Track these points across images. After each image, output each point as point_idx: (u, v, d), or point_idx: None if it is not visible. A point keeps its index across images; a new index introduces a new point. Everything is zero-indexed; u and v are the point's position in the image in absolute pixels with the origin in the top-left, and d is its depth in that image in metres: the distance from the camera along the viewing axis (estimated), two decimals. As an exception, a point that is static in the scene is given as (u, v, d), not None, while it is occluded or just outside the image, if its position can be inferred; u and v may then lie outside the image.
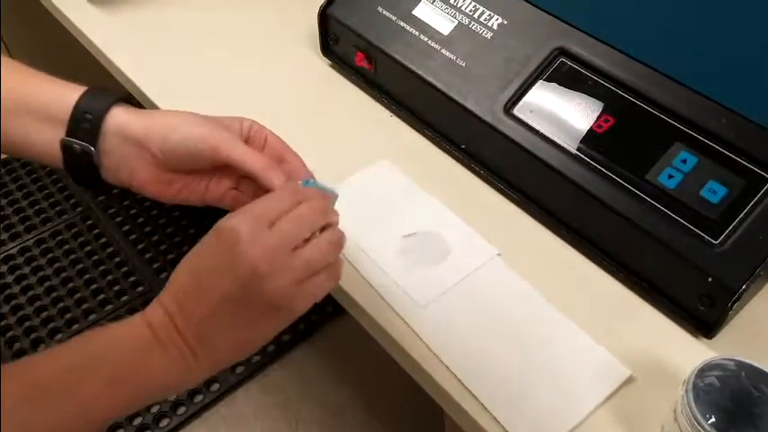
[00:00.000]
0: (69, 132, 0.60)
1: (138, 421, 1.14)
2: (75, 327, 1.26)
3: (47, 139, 0.61)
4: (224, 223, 0.52)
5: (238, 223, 0.51)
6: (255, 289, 0.50)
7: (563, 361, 0.61)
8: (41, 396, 0.46)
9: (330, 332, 1.30)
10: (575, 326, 0.63)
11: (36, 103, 0.60)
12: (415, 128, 0.83)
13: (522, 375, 0.60)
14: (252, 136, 0.63)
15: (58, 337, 1.25)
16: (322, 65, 0.92)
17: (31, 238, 1.41)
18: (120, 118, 0.60)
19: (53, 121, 0.60)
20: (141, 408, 0.52)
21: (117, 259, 1.38)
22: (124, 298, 1.31)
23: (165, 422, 1.14)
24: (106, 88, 0.62)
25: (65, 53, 1.29)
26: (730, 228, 0.60)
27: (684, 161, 0.64)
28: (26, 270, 1.35)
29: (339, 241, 0.55)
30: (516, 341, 0.62)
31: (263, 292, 0.50)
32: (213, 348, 0.52)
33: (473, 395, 0.58)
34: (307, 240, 0.53)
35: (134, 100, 0.65)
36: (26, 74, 0.62)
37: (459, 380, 0.59)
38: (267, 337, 0.53)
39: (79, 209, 1.48)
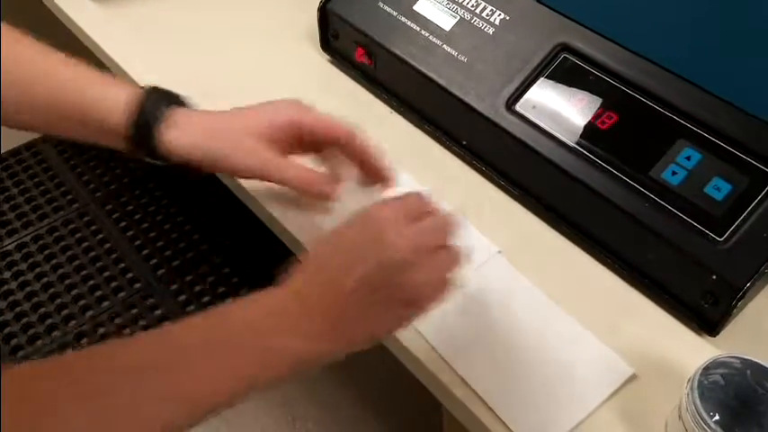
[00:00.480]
0: (133, 152, 0.64)
1: (135, 418, 1.13)
2: (73, 323, 1.26)
3: (119, 147, 0.64)
4: (373, 213, 0.53)
5: (389, 214, 0.52)
6: (397, 277, 0.51)
7: (565, 358, 0.60)
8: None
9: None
10: (577, 323, 0.63)
11: (99, 121, 0.63)
12: (415, 124, 0.82)
13: (525, 373, 0.59)
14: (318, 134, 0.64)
15: (55, 333, 1.24)
16: (322, 60, 0.91)
17: (28, 235, 1.40)
18: (165, 141, 0.62)
19: (119, 135, 0.63)
20: (271, 387, 0.52)
21: (114, 256, 1.37)
22: (121, 294, 1.30)
23: (162, 419, 1.14)
24: (150, 96, 0.63)
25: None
26: (734, 225, 0.60)
27: (688, 158, 0.63)
28: (23, 266, 1.35)
29: (461, 255, 0.55)
30: (518, 338, 0.62)
31: (403, 282, 0.51)
32: (346, 331, 0.52)
33: (475, 392, 0.58)
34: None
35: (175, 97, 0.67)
36: (81, 76, 0.64)
37: (460, 377, 0.59)
38: (390, 330, 0.54)
39: (76, 205, 1.47)
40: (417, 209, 0.54)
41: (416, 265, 0.51)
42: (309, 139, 0.64)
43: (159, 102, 0.63)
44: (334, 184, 0.64)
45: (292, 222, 0.71)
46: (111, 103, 0.62)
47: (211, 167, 0.64)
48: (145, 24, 0.98)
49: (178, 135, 0.62)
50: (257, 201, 0.73)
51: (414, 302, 0.53)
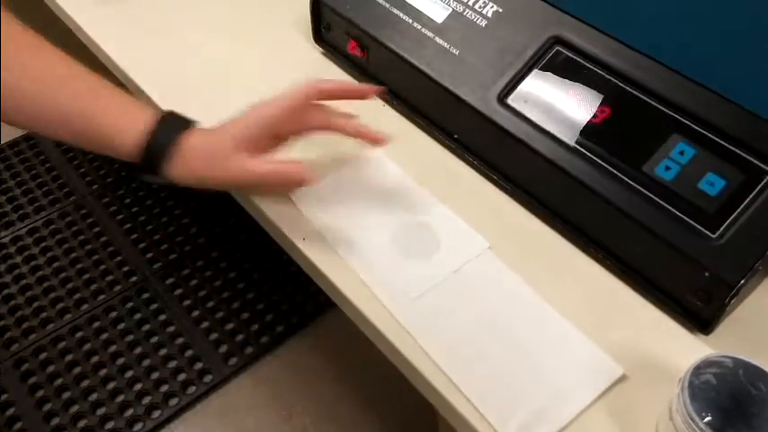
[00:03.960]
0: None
1: (129, 413, 1.13)
2: (68, 317, 1.26)
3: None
4: None
5: None
6: None
7: (554, 358, 0.60)
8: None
9: (323, 324, 1.29)
10: (567, 322, 0.62)
11: (112, 150, 0.67)
12: (407, 117, 0.81)
13: (513, 372, 0.59)
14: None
15: (50, 327, 1.24)
16: (314, 52, 0.90)
17: (24, 227, 1.40)
18: (170, 171, 0.66)
19: (130, 160, 0.67)
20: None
21: (110, 249, 1.37)
22: (117, 288, 1.30)
23: (156, 413, 1.14)
24: (161, 128, 0.66)
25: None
26: (728, 221, 0.59)
27: (682, 153, 0.62)
28: (18, 260, 1.34)
29: None
30: (506, 337, 0.61)
31: None
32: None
33: (461, 392, 0.57)
34: None
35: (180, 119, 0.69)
36: (95, 96, 0.67)
37: (447, 376, 0.58)
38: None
39: (73, 198, 1.46)
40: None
41: None
42: (292, 126, 0.70)
43: (169, 133, 0.66)
44: (312, 172, 0.66)
45: (283, 218, 0.71)
46: (127, 136, 0.65)
47: (213, 189, 0.70)
48: (136, 15, 0.97)
49: (180, 170, 0.66)
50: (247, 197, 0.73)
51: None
